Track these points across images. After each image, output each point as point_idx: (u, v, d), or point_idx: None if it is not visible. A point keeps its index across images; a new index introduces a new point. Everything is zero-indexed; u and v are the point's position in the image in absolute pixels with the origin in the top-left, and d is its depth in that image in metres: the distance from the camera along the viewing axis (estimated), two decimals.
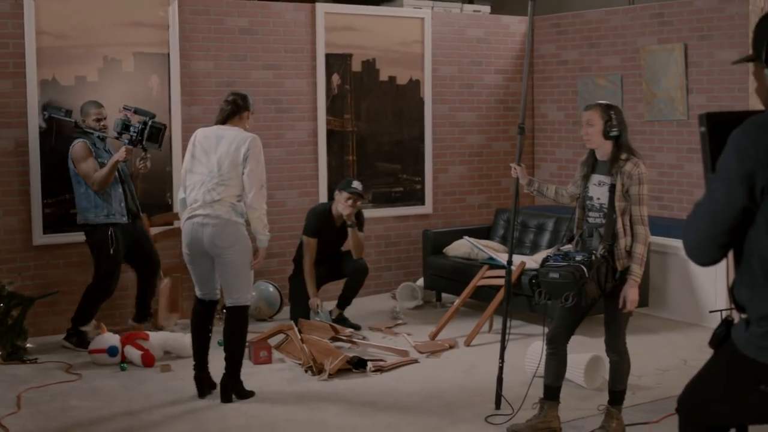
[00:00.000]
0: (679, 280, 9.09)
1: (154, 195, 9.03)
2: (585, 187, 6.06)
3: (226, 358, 6.81)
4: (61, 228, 8.60)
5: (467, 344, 8.29)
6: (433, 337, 8.46)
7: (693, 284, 8.98)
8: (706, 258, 3.36)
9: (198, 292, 6.93)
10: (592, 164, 6.06)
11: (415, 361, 7.80)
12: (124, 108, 8.25)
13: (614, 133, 5.86)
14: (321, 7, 9.92)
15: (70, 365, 7.68)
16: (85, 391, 7.08)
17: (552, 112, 11.17)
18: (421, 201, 10.59)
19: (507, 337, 6.59)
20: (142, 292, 8.61)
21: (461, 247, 9.67)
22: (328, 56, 9.91)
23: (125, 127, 8.11)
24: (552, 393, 6.19)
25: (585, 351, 7.46)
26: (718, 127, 3.36)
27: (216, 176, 6.65)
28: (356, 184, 8.75)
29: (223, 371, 6.82)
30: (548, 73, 11.18)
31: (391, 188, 10.45)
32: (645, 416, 6.47)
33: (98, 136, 8.22)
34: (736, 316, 3.42)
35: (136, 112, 8.18)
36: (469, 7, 11.18)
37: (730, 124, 3.26)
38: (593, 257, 5.80)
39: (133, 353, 7.65)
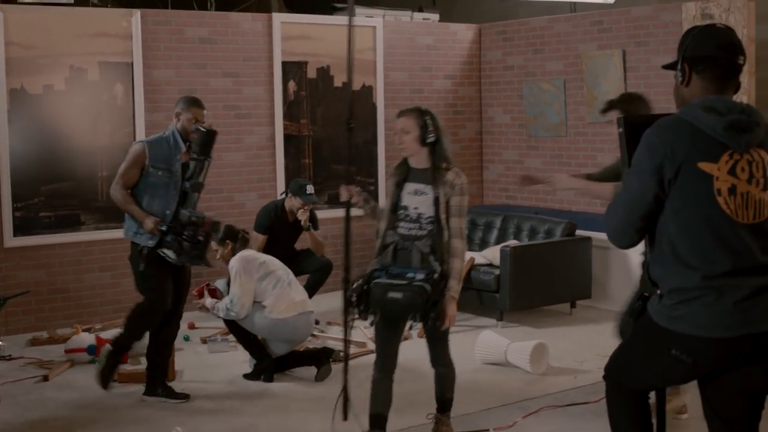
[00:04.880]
0: (620, 272, 9.58)
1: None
2: (398, 196, 5.66)
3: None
4: (31, 231, 8.98)
5: (420, 336, 8.71)
6: None
7: (633, 276, 9.46)
8: (625, 241, 3.88)
9: None
10: (406, 172, 5.69)
11: (371, 351, 8.22)
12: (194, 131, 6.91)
13: (431, 139, 5.55)
14: (277, 17, 10.35)
15: (44, 361, 8.04)
16: (60, 385, 7.46)
17: (499, 116, 11.65)
18: (375, 202, 10.99)
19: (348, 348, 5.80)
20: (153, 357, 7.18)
21: None
22: (284, 64, 10.33)
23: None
24: (382, 421, 5.82)
25: (530, 339, 7.95)
26: (634, 128, 3.87)
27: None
28: (310, 189, 9.09)
29: None
30: (495, 78, 11.66)
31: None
32: (585, 397, 6.95)
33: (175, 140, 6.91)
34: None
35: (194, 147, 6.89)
36: (418, 15, 11.63)
37: (644, 126, 3.77)
38: (434, 276, 5.46)
39: None
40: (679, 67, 3.84)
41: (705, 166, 3.62)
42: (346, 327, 5.54)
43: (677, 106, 3.87)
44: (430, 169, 5.59)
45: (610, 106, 6.60)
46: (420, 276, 5.43)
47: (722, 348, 3.67)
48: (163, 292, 6.91)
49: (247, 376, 7.48)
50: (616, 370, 4.08)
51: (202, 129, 6.82)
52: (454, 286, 5.52)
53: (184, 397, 7.03)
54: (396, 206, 5.65)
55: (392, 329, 5.67)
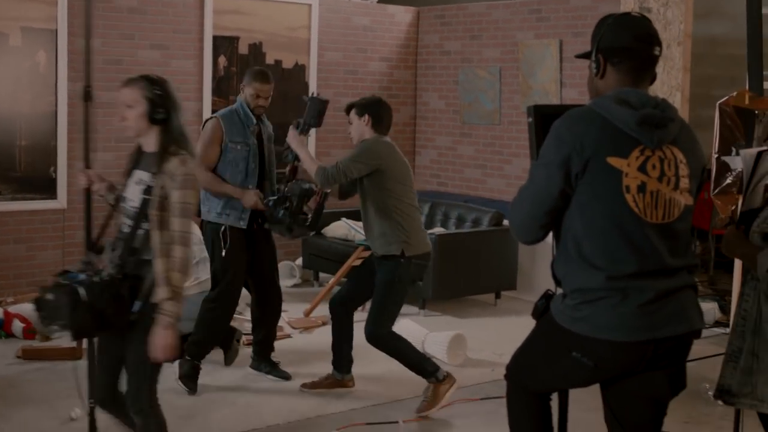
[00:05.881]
0: (546, 264, 9.39)
1: (38, 170, 9.11)
2: (125, 184, 4.56)
3: None
4: None
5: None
6: (308, 314, 8.75)
7: None
8: (530, 236, 3.71)
9: None
10: (137, 157, 4.61)
11: (289, 336, 8.09)
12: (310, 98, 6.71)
13: (161, 115, 4.43)
14: None
15: None
16: None
17: (433, 101, 11.50)
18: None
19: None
20: (258, 333, 7.15)
21: (339, 229, 9.96)
22: (215, 38, 10.08)
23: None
24: None
25: (452, 329, 7.83)
26: (545, 119, 3.70)
27: None
28: None
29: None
30: (431, 62, 11.50)
31: (276, 170, 10.65)
32: (501, 391, 6.62)
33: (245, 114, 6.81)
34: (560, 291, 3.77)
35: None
36: None
37: (556, 116, 3.60)
38: (97, 278, 4.35)
39: (17, 326, 7.76)
40: (593, 57, 3.68)
41: (614, 161, 3.46)
42: None
43: (591, 98, 3.71)
44: (157, 153, 4.44)
45: (351, 107, 6.62)
46: (82, 277, 4.36)
47: (625, 352, 3.53)
48: (238, 281, 6.87)
49: None
50: (517, 370, 3.94)
51: (319, 98, 6.67)
52: (168, 307, 4.24)
53: (287, 376, 7.02)
54: (121, 197, 4.56)
55: (100, 346, 4.61)
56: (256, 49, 10.39)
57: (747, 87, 7.35)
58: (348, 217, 10.09)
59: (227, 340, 7.29)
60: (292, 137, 6.47)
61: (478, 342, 7.96)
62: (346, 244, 9.72)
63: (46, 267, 9.26)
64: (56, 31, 9.13)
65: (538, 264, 9.60)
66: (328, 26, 10.91)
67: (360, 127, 6.50)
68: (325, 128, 10.87)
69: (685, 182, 3.58)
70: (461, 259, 9.09)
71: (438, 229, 9.46)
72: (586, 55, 3.75)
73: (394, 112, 11.22)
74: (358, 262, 9.19)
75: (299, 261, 10.21)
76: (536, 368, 3.84)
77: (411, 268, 6.37)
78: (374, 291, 6.43)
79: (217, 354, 7.25)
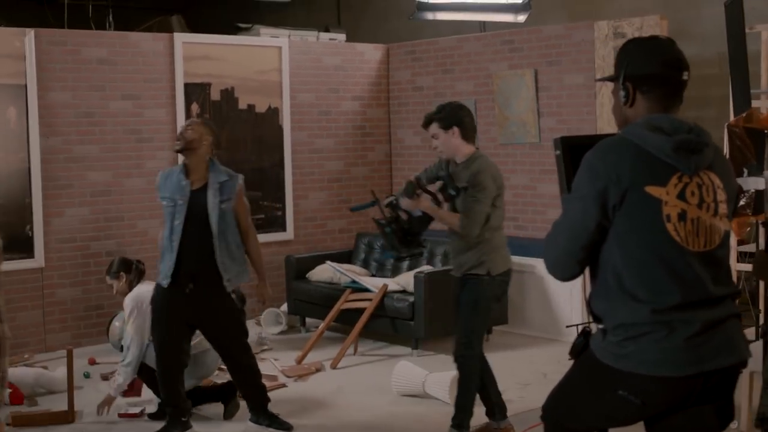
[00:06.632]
0: (537, 297, 9.38)
1: (13, 228, 8.87)
2: None
3: None
4: None
5: (333, 367, 8.41)
6: (300, 361, 8.56)
7: (550, 301, 9.28)
8: (566, 273, 3.57)
9: None
10: None
11: (283, 385, 7.90)
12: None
13: None
14: (179, 37, 9.98)
15: None
16: None
17: (409, 138, 11.39)
18: (282, 227, 10.67)
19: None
20: (240, 389, 7.01)
21: (324, 272, 9.80)
22: (186, 85, 9.94)
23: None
24: None
25: (446, 367, 7.67)
26: (573, 150, 3.58)
27: None
28: None
29: None
30: (404, 99, 11.40)
31: (253, 215, 10.46)
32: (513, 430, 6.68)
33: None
34: (594, 327, 3.63)
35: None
36: (325, 36, 11.36)
37: (584, 147, 3.48)
38: None
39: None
40: (621, 86, 3.55)
41: (653, 190, 3.34)
42: None
43: (618, 126, 3.59)
44: None
45: (430, 120, 6.55)
46: None
47: (674, 388, 3.38)
48: (166, 338, 6.64)
49: (152, 416, 7.08)
50: (555, 410, 3.78)
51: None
52: None
53: (289, 426, 6.76)
54: None
55: None
56: (228, 94, 10.25)
57: (732, 106, 7.29)
58: (332, 260, 9.93)
59: (227, 393, 7.09)
60: (426, 206, 6.31)
61: None
62: (332, 287, 9.55)
63: (27, 328, 9.06)
64: (26, 86, 8.96)
65: (528, 298, 9.50)
66: (299, 68, 10.80)
67: (449, 141, 6.35)
68: (301, 170, 10.77)
69: (723, 207, 3.46)
70: (451, 296, 8.94)
71: (425, 267, 9.30)
72: (609, 78, 3.63)
73: (369, 151, 11.30)
74: (346, 305, 9.06)
75: (284, 307, 10.03)
76: (577, 407, 3.69)
77: (494, 285, 6.29)
78: (460, 311, 6.32)
79: (217, 407, 7.06)
